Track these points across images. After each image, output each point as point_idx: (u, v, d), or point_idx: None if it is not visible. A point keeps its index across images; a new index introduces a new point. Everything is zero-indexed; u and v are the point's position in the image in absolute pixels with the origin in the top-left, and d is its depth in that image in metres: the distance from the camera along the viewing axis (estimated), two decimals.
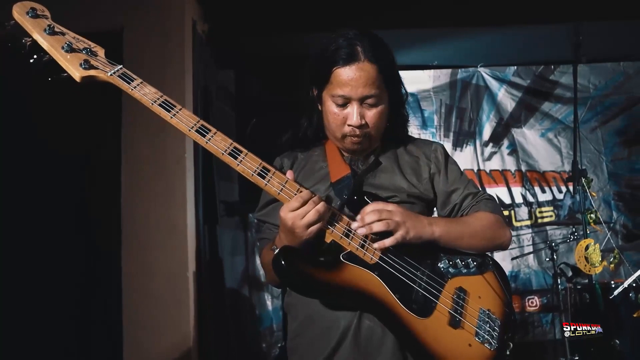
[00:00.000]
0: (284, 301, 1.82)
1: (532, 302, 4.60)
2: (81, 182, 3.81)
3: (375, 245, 1.53)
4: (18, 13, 1.51)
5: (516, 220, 5.35)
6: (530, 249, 5.18)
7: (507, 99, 5.44)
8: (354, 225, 1.54)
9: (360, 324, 1.57)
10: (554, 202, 5.39)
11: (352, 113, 1.62)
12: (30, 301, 3.48)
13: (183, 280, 3.69)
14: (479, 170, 5.36)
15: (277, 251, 1.47)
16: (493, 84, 5.43)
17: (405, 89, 1.77)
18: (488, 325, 1.57)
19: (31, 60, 1.50)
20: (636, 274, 3.34)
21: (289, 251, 1.48)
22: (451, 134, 5.42)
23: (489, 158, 5.41)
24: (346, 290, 1.50)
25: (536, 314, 4.87)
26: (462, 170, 1.84)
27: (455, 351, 1.51)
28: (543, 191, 5.39)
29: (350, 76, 1.59)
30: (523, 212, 5.36)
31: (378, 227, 1.51)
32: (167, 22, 3.88)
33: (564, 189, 5.39)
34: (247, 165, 1.51)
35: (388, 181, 1.72)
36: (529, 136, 5.43)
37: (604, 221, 3.60)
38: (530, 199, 5.38)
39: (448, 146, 5.35)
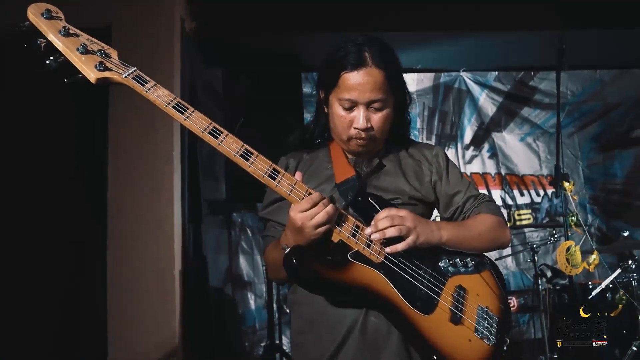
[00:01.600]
0: (288, 299, 1.86)
1: (509, 303, 4.71)
2: (67, 179, 3.79)
3: (388, 249, 1.58)
4: (33, 14, 1.51)
5: None
6: (509, 250, 5.28)
7: (488, 104, 5.55)
8: (367, 231, 1.58)
9: (366, 321, 1.62)
10: (532, 205, 5.52)
11: (359, 116, 1.67)
12: (16, 298, 3.45)
13: (169, 278, 3.68)
14: None
15: (288, 250, 1.51)
16: (475, 88, 5.54)
17: (409, 93, 1.83)
18: (486, 321, 1.64)
19: (47, 62, 1.51)
20: (613, 275, 3.47)
21: (300, 250, 1.52)
22: (433, 137, 5.51)
23: (470, 161, 5.52)
24: (354, 287, 1.55)
25: (514, 314, 4.99)
26: (462, 173, 1.90)
27: (456, 346, 1.58)
28: (522, 194, 5.51)
29: (357, 81, 1.64)
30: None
31: (391, 232, 1.57)
32: (155, 19, 3.86)
33: (542, 192, 5.52)
34: (259, 167, 1.55)
35: (391, 184, 1.78)
36: (509, 140, 5.55)
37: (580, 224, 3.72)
38: (509, 201, 5.50)
39: None
